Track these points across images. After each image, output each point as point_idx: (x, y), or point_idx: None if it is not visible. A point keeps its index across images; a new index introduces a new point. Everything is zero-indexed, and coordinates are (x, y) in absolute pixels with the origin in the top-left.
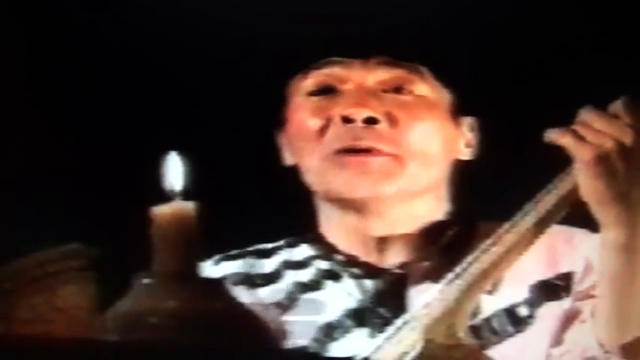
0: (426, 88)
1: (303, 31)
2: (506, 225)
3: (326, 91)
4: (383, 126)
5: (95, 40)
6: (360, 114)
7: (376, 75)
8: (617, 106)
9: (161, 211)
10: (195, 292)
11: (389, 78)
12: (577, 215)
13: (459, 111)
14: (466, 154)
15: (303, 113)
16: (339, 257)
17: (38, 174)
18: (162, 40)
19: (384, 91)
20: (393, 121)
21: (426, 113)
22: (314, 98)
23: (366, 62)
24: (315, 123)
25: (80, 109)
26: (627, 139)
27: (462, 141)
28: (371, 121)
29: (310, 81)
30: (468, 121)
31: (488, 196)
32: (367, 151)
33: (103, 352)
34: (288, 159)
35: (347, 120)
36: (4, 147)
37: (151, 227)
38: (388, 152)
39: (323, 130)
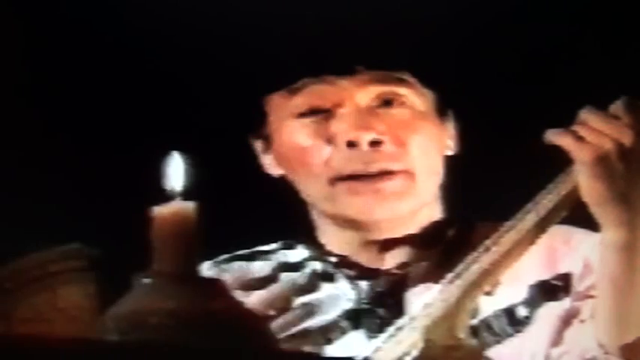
0: (414, 96)
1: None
2: (507, 225)
3: (318, 112)
4: (388, 146)
5: (96, 40)
6: (364, 137)
7: (366, 92)
8: (617, 106)
9: (161, 211)
10: (195, 292)
11: (379, 93)
12: (577, 215)
13: (443, 108)
14: (451, 148)
15: (299, 135)
16: (333, 259)
17: (38, 174)
18: (164, 41)
19: (378, 107)
20: (396, 139)
21: (422, 123)
22: (306, 120)
23: (352, 79)
24: (316, 147)
25: (80, 110)
26: (627, 139)
27: (447, 137)
28: (376, 143)
29: (299, 102)
30: (449, 114)
31: (488, 196)
32: (378, 175)
33: (103, 352)
34: (274, 170)
35: (351, 144)
36: (4, 147)
37: (151, 227)
38: (399, 170)
39: (327, 155)
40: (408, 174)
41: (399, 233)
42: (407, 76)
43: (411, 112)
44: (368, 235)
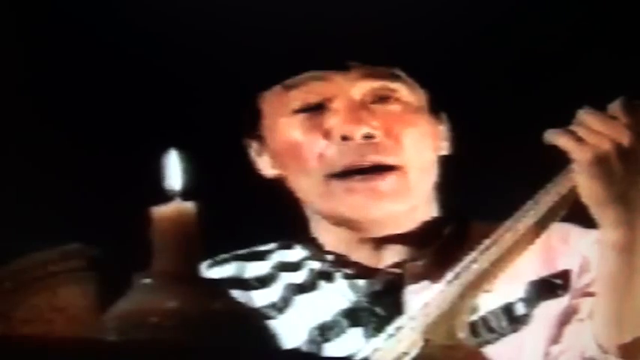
0: (408, 92)
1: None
2: (506, 225)
3: (313, 107)
4: (382, 139)
5: (94, 40)
6: (357, 131)
7: (360, 87)
8: (615, 106)
9: (161, 211)
10: (195, 292)
11: (373, 89)
12: (575, 214)
13: (436, 108)
14: (444, 148)
15: (294, 132)
16: (331, 257)
17: (38, 174)
18: (163, 40)
19: (372, 102)
20: (389, 134)
21: (416, 119)
22: (301, 116)
23: (346, 74)
24: (310, 142)
25: (80, 109)
26: (625, 139)
27: (441, 137)
28: (369, 137)
29: (294, 98)
30: (442, 116)
31: (486, 196)
32: (373, 171)
33: (103, 352)
34: (268, 171)
35: (345, 138)
36: (4, 147)
37: (151, 227)
38: (392, 164)
39: (321, 149)
40: (402, 172)
41: (394, 232)
42: (400, 73)
43: (406, 107)
44: (363, 233)
